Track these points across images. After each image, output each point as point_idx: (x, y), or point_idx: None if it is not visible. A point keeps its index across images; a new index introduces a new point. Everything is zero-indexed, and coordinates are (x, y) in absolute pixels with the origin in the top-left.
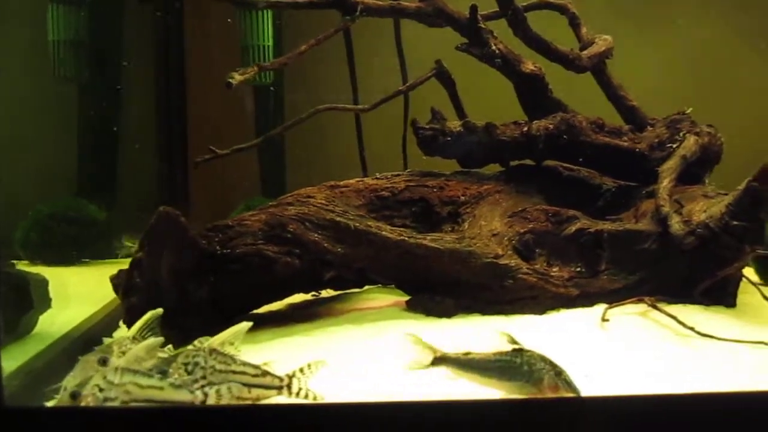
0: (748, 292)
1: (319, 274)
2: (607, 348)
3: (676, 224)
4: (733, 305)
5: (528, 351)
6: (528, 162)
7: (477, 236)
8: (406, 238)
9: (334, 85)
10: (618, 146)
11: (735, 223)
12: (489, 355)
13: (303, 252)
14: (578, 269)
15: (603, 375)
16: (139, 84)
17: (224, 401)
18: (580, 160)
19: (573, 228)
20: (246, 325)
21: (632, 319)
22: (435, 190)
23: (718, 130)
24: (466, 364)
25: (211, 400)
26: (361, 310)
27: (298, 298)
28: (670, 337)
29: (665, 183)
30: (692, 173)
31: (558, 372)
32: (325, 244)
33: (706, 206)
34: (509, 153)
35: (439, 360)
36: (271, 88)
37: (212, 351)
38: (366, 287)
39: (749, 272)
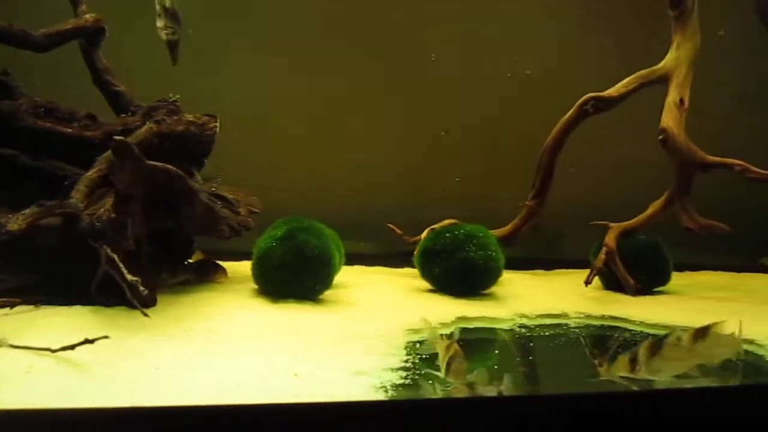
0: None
1: None
2: None
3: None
4: (151, 305)
5: None
6: None
7: None
8: None
9: None
10: (61, 133)
11: (113, 215)
12: None
13: None
14: None
15: None
16: None
17: None
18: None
19: None
20: None
21: None
22: None
23: (216, 119)
24: None
25: None
26: None
27: None
28: None
29: (90, 173)
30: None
31: None
32: None
33: None
34: None
35: None
36: None
37: None
38: None
39: None
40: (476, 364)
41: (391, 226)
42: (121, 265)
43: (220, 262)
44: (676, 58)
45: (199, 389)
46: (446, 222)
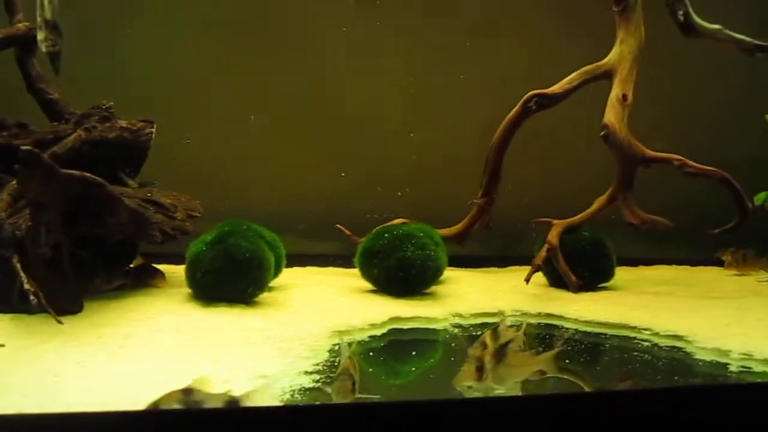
0: None
1: None
2: None
3: None
4: (76, 311)
5: None
6: None
7: None
8: None
9: None
10: None
11: (29, 224)
12: None
13: None
14: None
15: None
16: None
17: None
18: None
19: None
20: None
21: None
22: None
23: (152, 125)
24: None
25: None
26: None
27: None
28: None
29: (14, 182)
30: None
31: None
32: None
33: None
34: None
35: None
36: None
37: None
38: None
39: None
40: (385, 368)
41: (339, 226)
42: (22, 274)
43: (169, 266)
44: (619, 53)
45: (86, 397)
46: (395, 221)
